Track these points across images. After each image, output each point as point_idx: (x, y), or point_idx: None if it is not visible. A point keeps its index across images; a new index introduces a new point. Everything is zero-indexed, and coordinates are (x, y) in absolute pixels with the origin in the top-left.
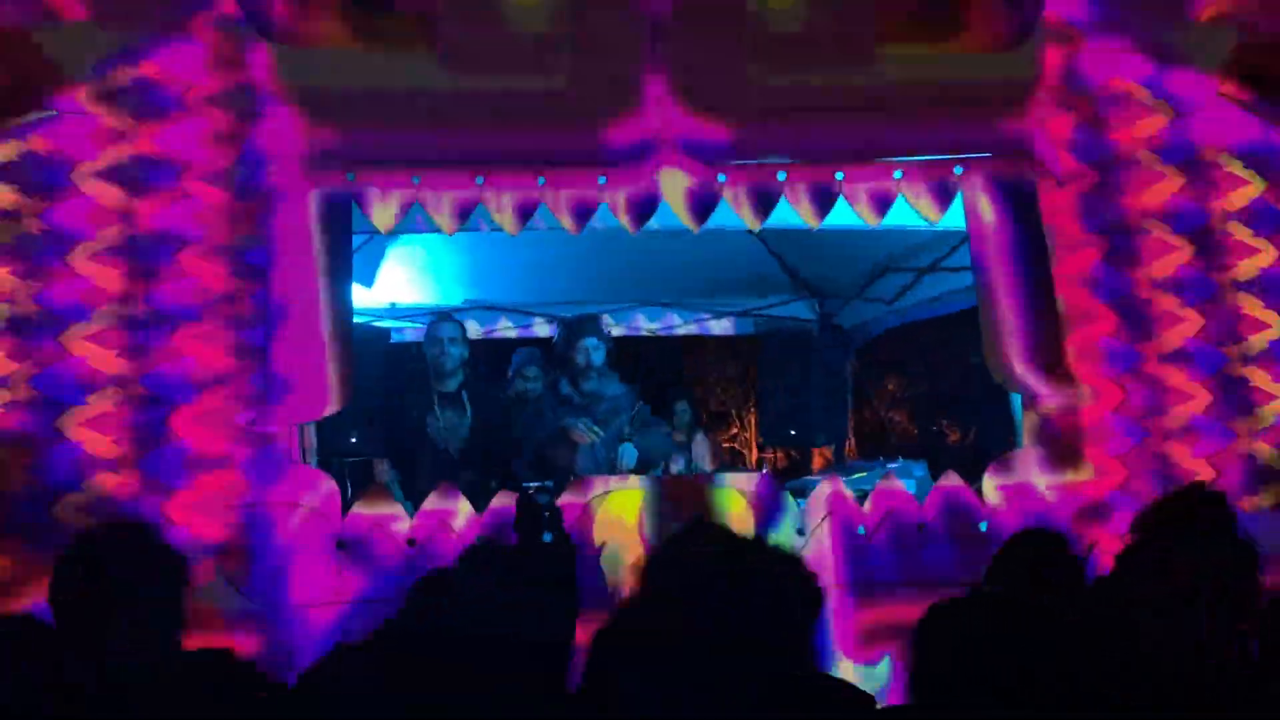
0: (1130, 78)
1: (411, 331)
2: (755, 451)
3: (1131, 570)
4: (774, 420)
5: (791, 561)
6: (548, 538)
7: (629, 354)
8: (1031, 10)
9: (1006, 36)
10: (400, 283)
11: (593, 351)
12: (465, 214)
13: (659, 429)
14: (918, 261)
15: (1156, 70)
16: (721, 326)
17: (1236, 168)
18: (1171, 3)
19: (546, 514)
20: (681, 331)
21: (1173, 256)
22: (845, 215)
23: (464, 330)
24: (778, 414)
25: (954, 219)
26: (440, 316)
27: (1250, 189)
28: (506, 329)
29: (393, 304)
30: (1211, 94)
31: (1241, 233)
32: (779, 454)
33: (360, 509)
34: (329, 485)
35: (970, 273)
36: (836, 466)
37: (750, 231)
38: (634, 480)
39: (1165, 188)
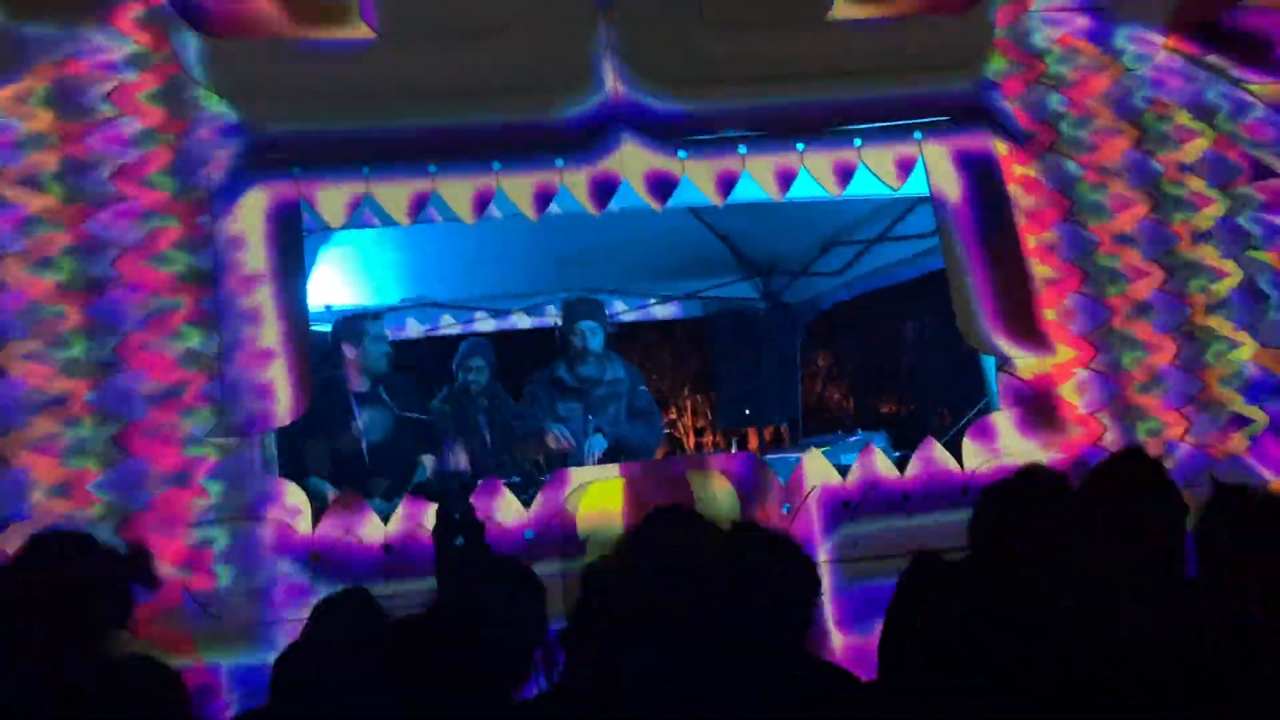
0: (1079, 35)
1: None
2: (693, 438)
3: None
4: (728, 403)
5: (785, 547)
6: (459, 541)
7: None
8: None
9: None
10: (335, 284)
11: (589, 335)
12: (419, 205)
13: (650, 418)
14: (863, 233)
15: (1104, 27)
16: (666, 311)
17: (1186, 120)
18: None
19: (459, 518)
20: (627, 318)
21: (1132, 211)
22: (799, 188)
23: None
24: (731, 396)
25: (874, 189)
26: (360, 316)
27: (1201, 141)
28: (450, 326)
29: (328, 306)
30: (1158, 48)
31: (1195, 184)
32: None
33: (332, 517)
34: (296, 495)
35: (916, 241)
36: (792, 444)
37: (691, 211)
38: (614, 469)
39: (1120, 143)
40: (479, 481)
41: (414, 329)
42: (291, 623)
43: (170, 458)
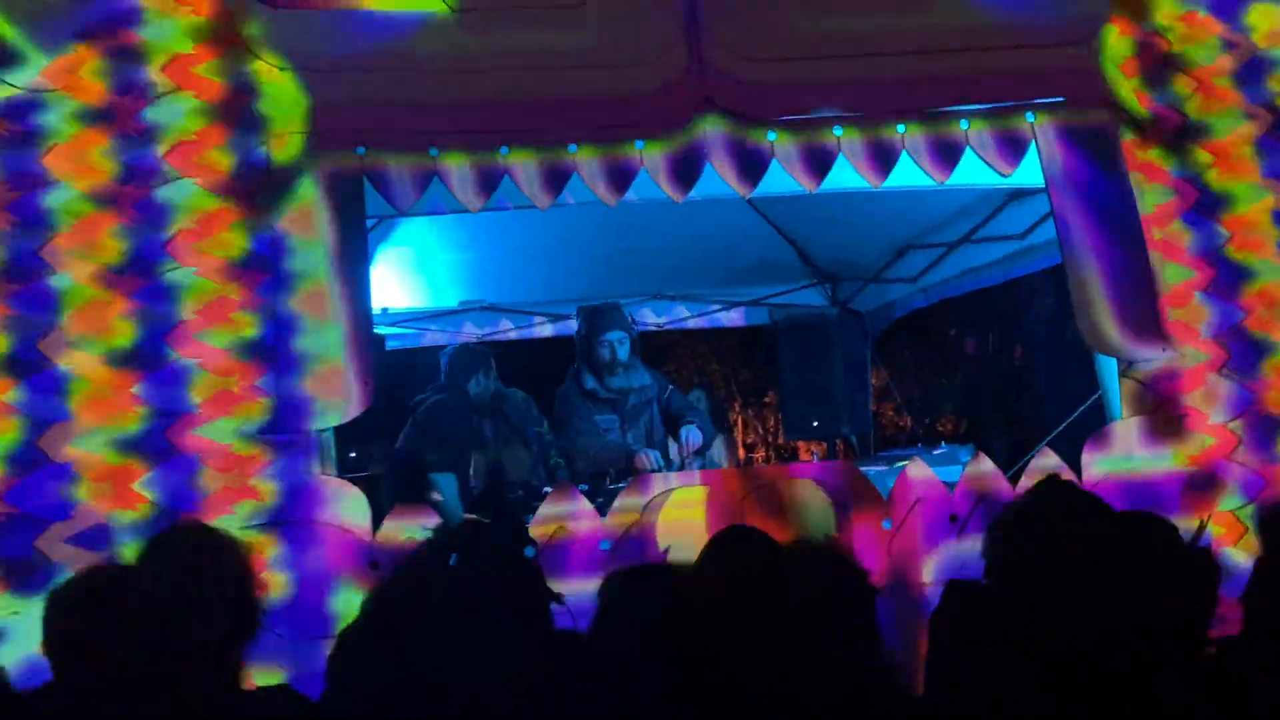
0: (1206, 10)
1: (407, 337)
2: (743, 453)
3: None
4: (795, 414)
5: (836, 562)
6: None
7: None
8: None
9: None
10: (391, 286)
11: (618, 345)
12: (490, 188)
13: (697, 414)
14: (942, 236)
15: (1234, 4)
16: (731, 318)
17: None
18: None
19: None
20: (692, 325)
21: (1265, 202)
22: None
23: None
24: (799, 407)
25: (979, 178)
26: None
27: None
28: (508, 330)
29: (385, 309)
30: None
31: None
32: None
33: (394, 523)
34: (358, 499)
35: (1000, 244)
36: (863, 457)
37: (759, 211)
38: (697, 477)
39: (1251, 129)
40: (544, 488)
41: (471, 333)
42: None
43: (221, 455)
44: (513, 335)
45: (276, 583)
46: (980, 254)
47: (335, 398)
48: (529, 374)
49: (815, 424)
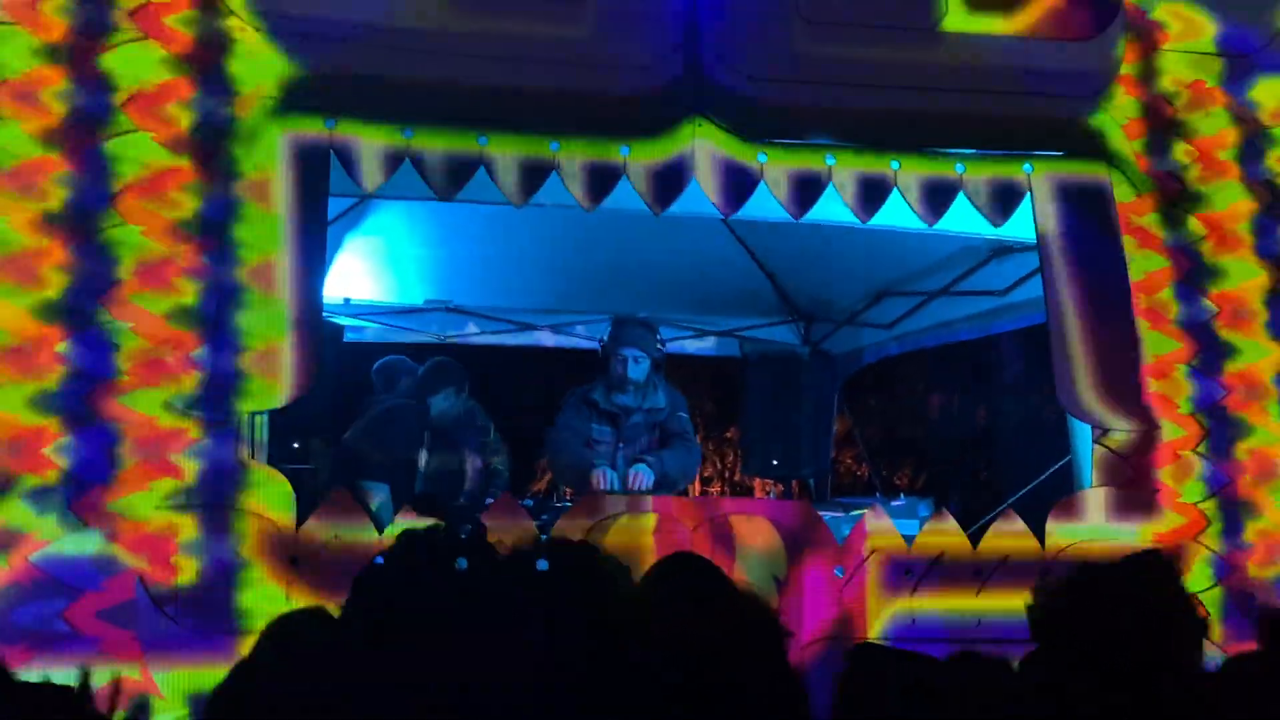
0: (1213, 82)
1: (370, 332)
2: (698, 486)
3: None
4: (757, 450)
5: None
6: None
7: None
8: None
9: (1085, 22)
10: (356, 276)
11: (632, 363)
12: (463, 177)
13: (685, 441)
14: (920, 285)
15: (1242, 75)
16: (700, 346)
17: None
18: (1259, 5)
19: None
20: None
21: (1256, 280)
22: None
23: None
24: (760, 444)
25: (967, 226)
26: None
27: None
28: (474, 334)
29: (347, 300)
30: None
31: None
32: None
33: (319, 519)
34: (284, 489)
35: (974, 300)
36: (818, 501)
37: (740, 240)
38: (648, 502)
39: (1248, 206)
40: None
41: (435, 334)
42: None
43: (144, 427)
44: (477, 340)
45: (187, 569)
46: (958, 307)
47: (272, 379)
48: (492, 381)
49: (775, 463)
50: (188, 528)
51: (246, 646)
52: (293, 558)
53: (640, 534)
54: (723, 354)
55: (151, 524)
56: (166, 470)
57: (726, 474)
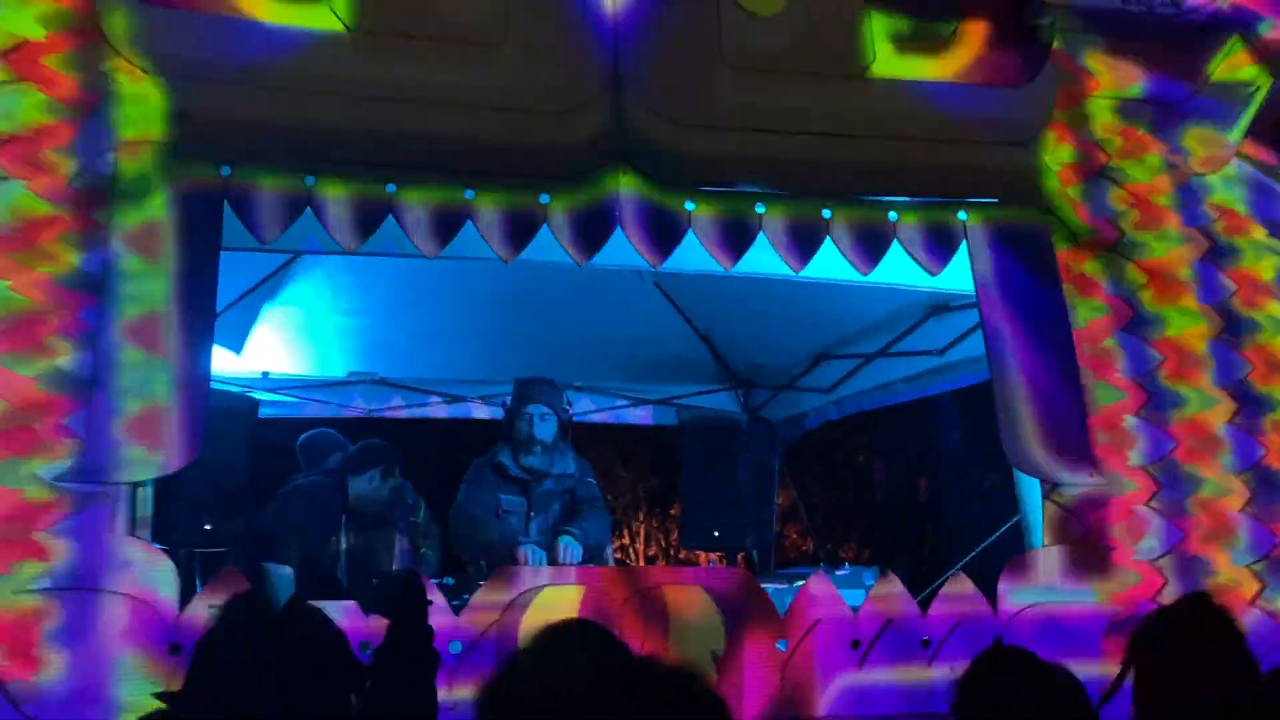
0: (1145, 129)
1: (287, 406)
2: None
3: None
4: (696, 522)
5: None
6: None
7: None
8: (1041, 45)
9: (1015, 68)
10: (274, 349)
11: (538, 420)
12: (370, 227)
13: (597, 508)
14: (862, 347)
15: (1172, 123)
16: (638, 415)
17: (1261, 235)
18: (1187, 55)
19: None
20: (596, 419)
21: (1199, 329)
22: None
23: None
24: (699, 515)
25: (904, 278)
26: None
27: (1278, 260)
28: (399, 408)
29: (265, 373)
30: (1231, 153)
31: (1273, 307)
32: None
33: (204, 601)
34: (165, 569)
35: (912, 360)
36: (763, 573)
37: (674, 306)
38: (571, 573)
39: (1187, 253)
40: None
41: (359, 407)
42: None
43: (7, 502)
44: (403, 414)
45: (52, 662)
46: (897, 368)
47: (154, 447)
48: (420, 455)
49: (716, 534)
50: (53, 615)
51: None
52: (174, 645)
53: (565, 609)
54: (660, 423)
55: (12, 611)
56: (30, 551)
57: (671, 551)
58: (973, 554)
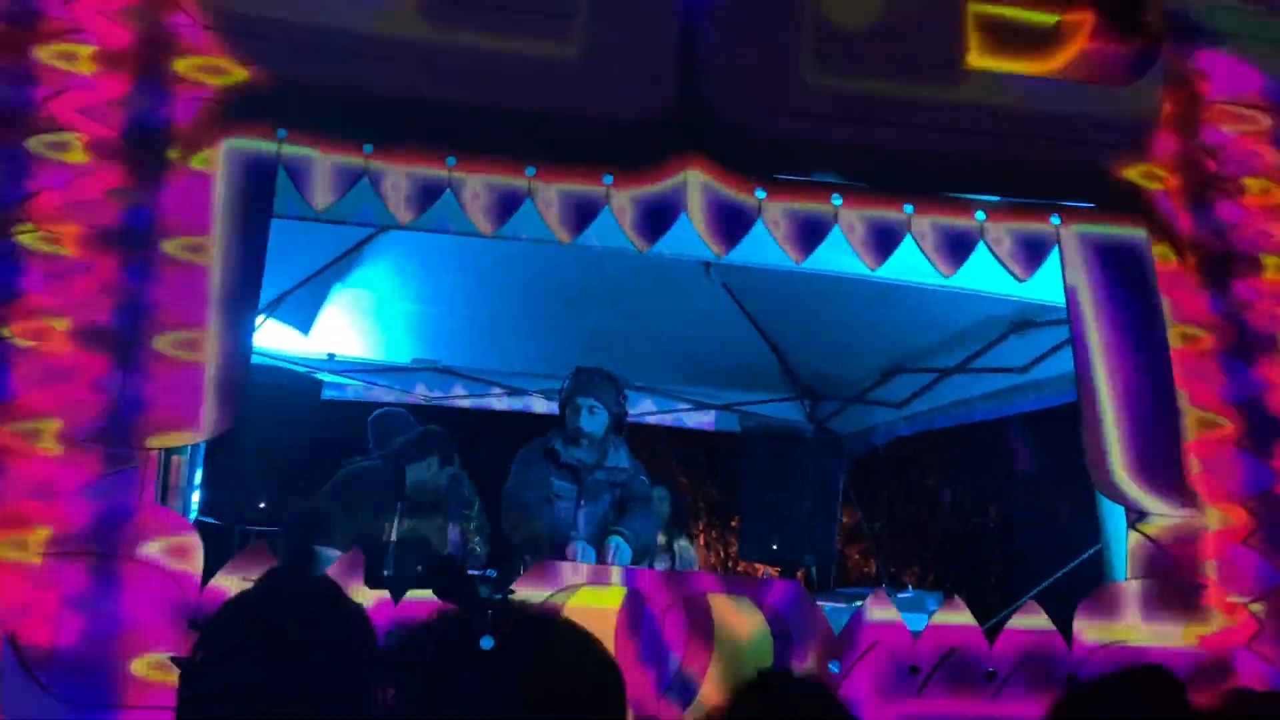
0: (1262, 138)
1: (352, 390)
2: None
3: None
4: (754, 533)
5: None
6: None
7: None
8: (1151, 42)
9: (1120, 67)
10: (342, 332)
11: (586, 413)
12: (426, 201)
13: (647, 512)
14: (933, 362)
15: None
16: (699, 420)
17: None
18: None
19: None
20: (653, 420)
21: None
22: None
23: None
24: (759, 526)
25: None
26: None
27: None
28: (461, 397)
29: (331, 355)
30: None
31: None
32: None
33: (228, 574)
34: (189, 538)
35: (991, 377)
36: (822, 591)
37: (745, 312)
38: (614, 574)
39: None
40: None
41: (422, 394)
42: (142, 712)
43: (35, 460)
44: (465, 403)
45: (68, 628)
46: (974, 385)
47: (188, 414)
48: (479, 446)
49: (775, 547)
50: (72, 580)
51: None
52: (192, 621)
53: (604, 611)
54: (722, 429)
55: (31, 572)
56: (55, 511)
57: (731, 564)
58: (1044, 584)
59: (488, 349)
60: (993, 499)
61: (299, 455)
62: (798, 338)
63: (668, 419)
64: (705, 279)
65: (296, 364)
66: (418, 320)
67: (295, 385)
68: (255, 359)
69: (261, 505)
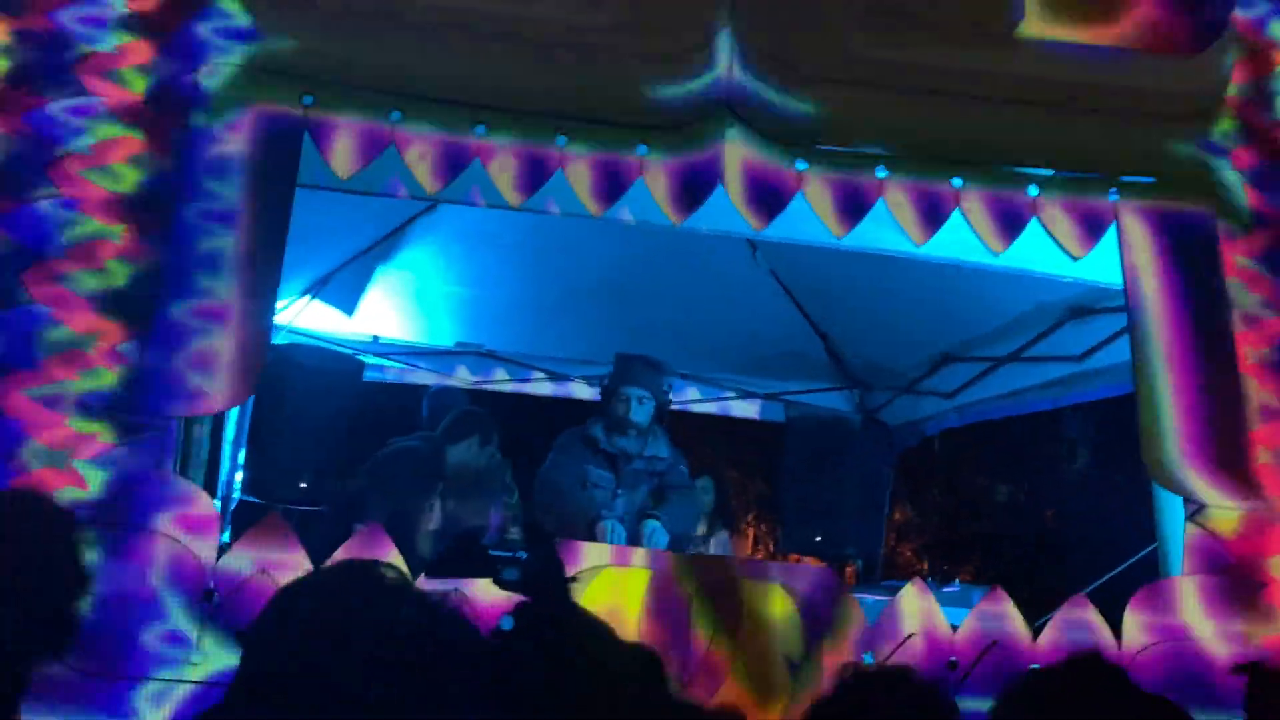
0: None
1: (393, 372)
2: None
3: None
4: (797, 524)
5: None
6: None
7: None
8: (1220, 10)
9: (1186, 36)
10: (385, 314)
11: (635, 404)
12: (454, 170)
13: (686, 501)
14: (986, 351)
15: None
16: (743, 409)
17: None
18: None
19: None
20: (698, 409)
21: None
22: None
23: None
24: (802, 518)
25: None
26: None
27: None
28: (503, 381)
29: (375, 337)
30: None
31: None
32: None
33: (243, 548)
34: (206, 508)
35: (1046, 367)
36: (867, 586)
37: (791, 297)
38: (639, 556)
39: None
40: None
41: (464, 378)
42: (158, 685)
43: (53, 427)
44: (507, 388)
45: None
46: (1029, 374)
47: (209, 382)
48: (521, 430)
49: (818, 539)
50: (87, 550)
51: (146, 699)
52: (208, 591)
53: (628, 594)
54: (766, 418)
55: None
56: (69, 479)
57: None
58: (1096, 583)
59: (530, 333)
60: (1048, 492)
61: (341, 436)
62: (846, 325)
63: (713, 408)
64: (752, 263)
65: (341, 345)
66: (461, 303)
67: (338, 367)
68: (299, 339)
69: (303, 485)
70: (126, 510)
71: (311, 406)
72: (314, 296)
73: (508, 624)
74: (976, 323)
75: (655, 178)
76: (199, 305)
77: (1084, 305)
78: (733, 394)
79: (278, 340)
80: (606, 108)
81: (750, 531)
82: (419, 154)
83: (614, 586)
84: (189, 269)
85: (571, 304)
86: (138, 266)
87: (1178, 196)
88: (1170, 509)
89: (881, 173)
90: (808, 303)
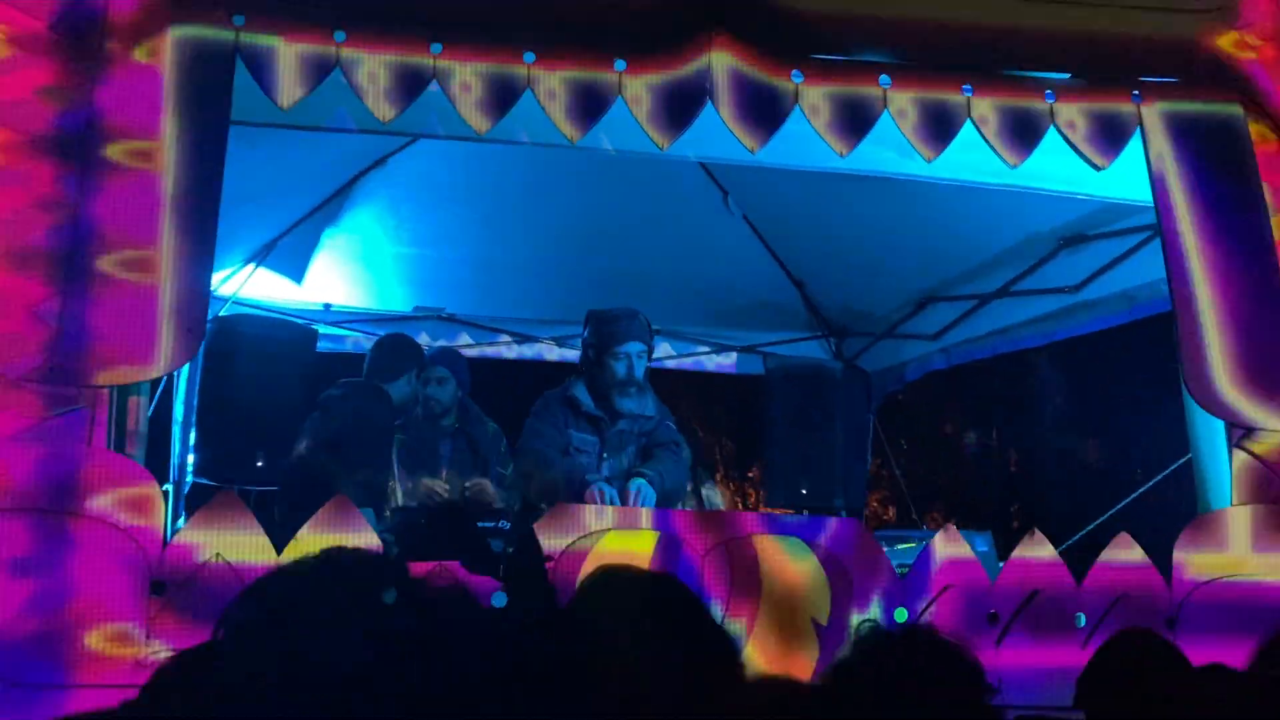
0: None
1: (352, 342)
2: None
3: None
4: (781, 477)
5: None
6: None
7: None
8: None
9: None
10: (336, 281)
11: (636, 360)
12: (409, 94)
13: (675, 457)
14: (971, 288)
15: None
16: (719, 363)
17: None
18: None
19: None
20: (672, 365)
21: None
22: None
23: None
24: (785, 470)
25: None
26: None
27: None
28: (467, 346)
29: (327, 305)
30: None
31: None
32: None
33: (194, 530)
34: (149, 489)
35: (1037, 300)
36: None
37: (765, 244)
38: (645, 517)
39: None
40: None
41: (425, 344)
42: (99, 691)
43: None
44: (472, 353)
45: (9, 599)
46: (1017, 310)
47: (142, 345)
48: (490, 396)
49: (804, 491)
50: (12, 542)
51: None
52: (156, 583)
53: (633, 556)
54: (744, 371)
55: None
56: None
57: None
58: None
59: (494, 294)
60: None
61: (296, 409)
62: (822, 270)
63: (688, 363)
64: (723, 210)
65: (292, 316)
66: (417, 265)
67: (289, 335)
68: (245, 310)
69: (260, 464)
70: (58, 494)
71: (262, 379)
72: (259, 264)
73: (500, 601)
74: (958, 259)
75: (636, 97)
76: (127, 256)
77: (1078, 233)
78: (707, 348)
79: (223, 312)
80: (579, 19)
81: (725, 487)
82: (369, 77)
83: (618, 551)
84: (113, 216)
85: (535, 261)
86: (55, 215)
87: (1204, 96)
88: (1208, 434)
89: (885, 82)
90: (782, 249)
